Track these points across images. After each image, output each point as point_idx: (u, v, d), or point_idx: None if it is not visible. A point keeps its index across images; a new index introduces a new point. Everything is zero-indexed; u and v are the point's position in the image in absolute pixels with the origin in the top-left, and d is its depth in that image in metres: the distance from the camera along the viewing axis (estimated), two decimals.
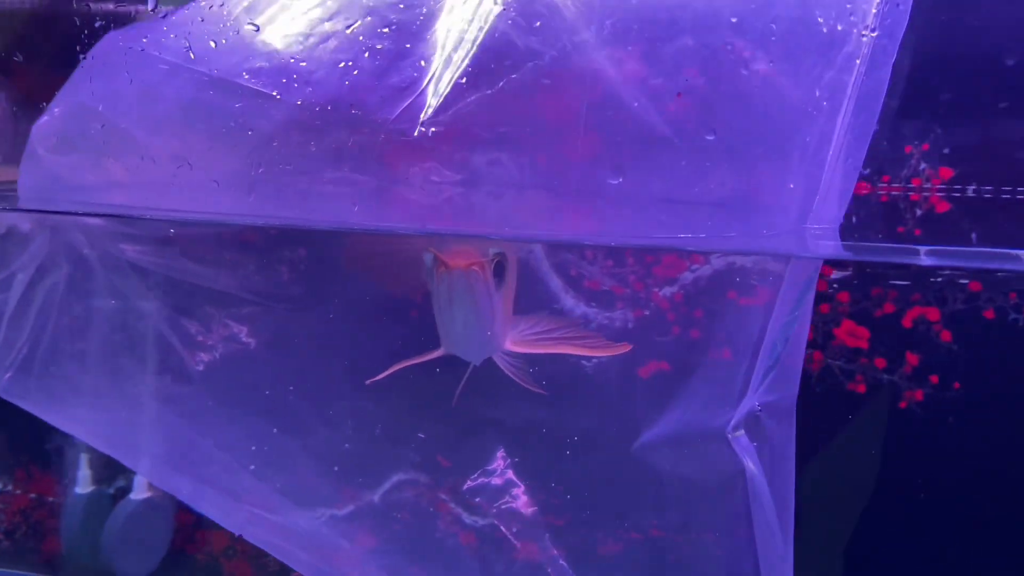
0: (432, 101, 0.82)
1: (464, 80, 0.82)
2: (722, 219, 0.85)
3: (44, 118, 1.01)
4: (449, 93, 0.82)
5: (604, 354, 0.99)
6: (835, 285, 1.10)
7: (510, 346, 0.97)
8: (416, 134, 0.82)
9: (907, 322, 1.09)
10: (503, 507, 1.15)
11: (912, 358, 1.09)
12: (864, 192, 1.04)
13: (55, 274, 1.11)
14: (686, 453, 0.99)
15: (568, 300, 1.10)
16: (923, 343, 1.09)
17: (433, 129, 0.82)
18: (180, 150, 0.88)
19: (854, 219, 0.94)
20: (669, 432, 1.00)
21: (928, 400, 1.10)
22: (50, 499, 1.53)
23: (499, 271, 0.90)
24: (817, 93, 0.81)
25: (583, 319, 1.09)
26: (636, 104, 0.81)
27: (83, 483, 1.43)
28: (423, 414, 1.12)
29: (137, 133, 0.91)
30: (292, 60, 0.86)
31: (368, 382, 1.01)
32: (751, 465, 0.94)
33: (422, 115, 0.82)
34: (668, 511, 1.04)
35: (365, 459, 1.17)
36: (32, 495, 1.55)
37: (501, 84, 0.82)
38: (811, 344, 1.12)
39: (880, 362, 1.10)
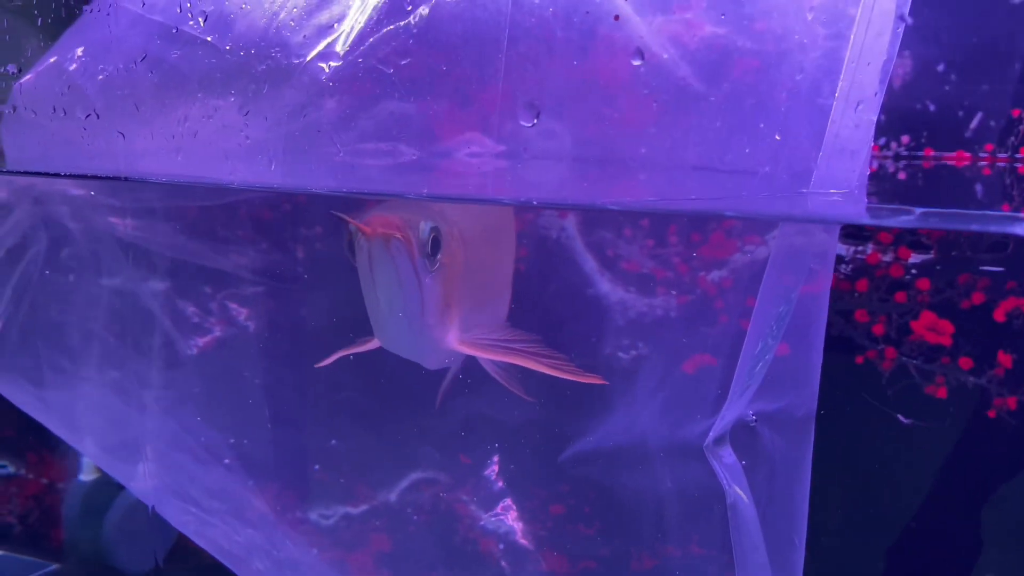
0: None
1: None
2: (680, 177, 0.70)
3: (27, 76, 0.93)
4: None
5: (567, 377, 0.84)
6: (913, 271, 0.95)
7: (457, 345, 0.82)
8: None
9: (999, 315, 0.93)
10: (524, 513, 1.05)
11: (1005, 359, 0.93)
12: (962, 163, 0.88)
13: (35, 247, 1.03)
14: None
15: (603, 283, 0.99)
16: (1018, 341, 0.93)
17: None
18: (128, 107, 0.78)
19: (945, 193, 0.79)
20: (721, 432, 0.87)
21: (1023, 409, 0.93)
22: (60, 485, 1.48)
23: (434, 248, 0.76)
24: (809, 16, 0.65)
25: (620, 304, 0.97)
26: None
27: (87, 470, 1.36)
28: (440, 411, 1.02)
29: (89, 91, 0.80)
30: None
31: (317, 365, 0.89)
32: (735, 488, 0.79)
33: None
34: (701, 529, 0.90)
35: (378, 455, 1.08)
36: (44, 480, 1.50)
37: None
38: (884, 339, 0.97)
39: (965, 362, 0.94)
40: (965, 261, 0.92)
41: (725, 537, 0.80)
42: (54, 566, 1.44)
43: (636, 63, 0.68)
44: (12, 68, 0.91)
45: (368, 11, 0.69)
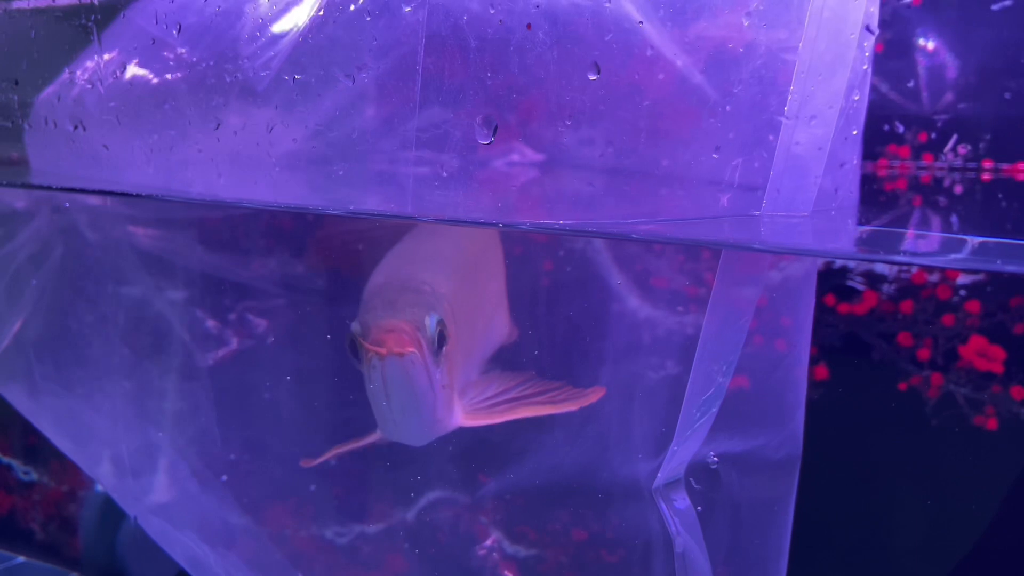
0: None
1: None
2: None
3: (49, 89, 0.92)
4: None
5: (573, 407, 0.80)
6: (962, 292, 0.88)
7: (464, 421, 0.80)
8: None
9: None
10: (547, 535, 1.01)
11: None
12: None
13: (52, 256, 1.02)
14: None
15: (631, 300, 0.95)
16: None
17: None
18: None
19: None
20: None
21: None
22: (81, 493, 1.47)
23: (440, 342, 0.74)
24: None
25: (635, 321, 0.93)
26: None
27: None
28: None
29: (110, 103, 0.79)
30: None
31: (304, 464, 0.86)
32: (684, 536, 0.72)
33: None
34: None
35: (395, 474, 1.04)
36: (65, 488, 1.49)
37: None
38: (929, 364, 0.90)
39: (1019, 392, 0.87)
40: (1019, 282, 0.85)
41: None
42: (73, 575, 1.43)
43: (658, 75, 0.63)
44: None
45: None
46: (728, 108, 0.63)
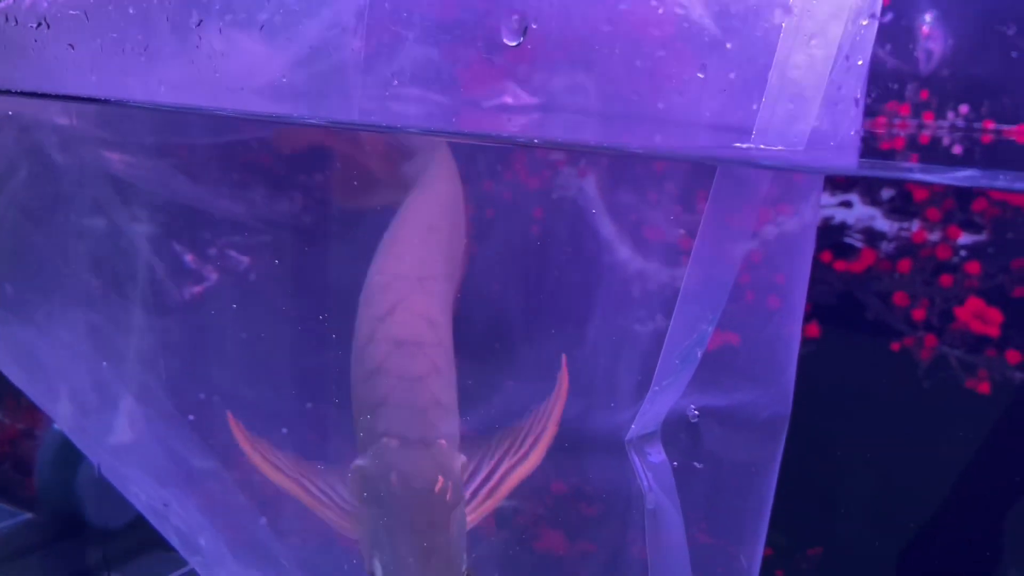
0: None
1: None
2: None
3: None
4: None
5: (558, 415, 0.76)
6: (963, 252, 0.87)
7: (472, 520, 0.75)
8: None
9: None
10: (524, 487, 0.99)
11: None
12: None
13: (16, 177, 0.96)
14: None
15: (623, 251, 0.92)
16: None
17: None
18: None
19: None
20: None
21: None
22: (38, 432, 1.41)
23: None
24: None
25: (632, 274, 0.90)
26: None
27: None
28: None
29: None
30: None
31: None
32: (656, 492, 0.69)
33: None
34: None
35: None
36: (20, 426, 1.43)
37: None
38: (924, 325, 0.89)
39: (1013, 356, 0.86)
40: (1022, 244, 0.84)
41: None
42: (27, 515, 1.38)
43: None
44: None
45: None
46: (729, 46, 0.59)
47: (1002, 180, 0.61)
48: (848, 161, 0.65)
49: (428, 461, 0.68)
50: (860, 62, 0.63)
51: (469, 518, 0.73)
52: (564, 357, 0.77)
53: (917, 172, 0.70)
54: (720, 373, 0.75)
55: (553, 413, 0.78)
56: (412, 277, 0.78)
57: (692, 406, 0.72)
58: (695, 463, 0.72)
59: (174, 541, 0.87)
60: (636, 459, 0.67)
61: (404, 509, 0.66)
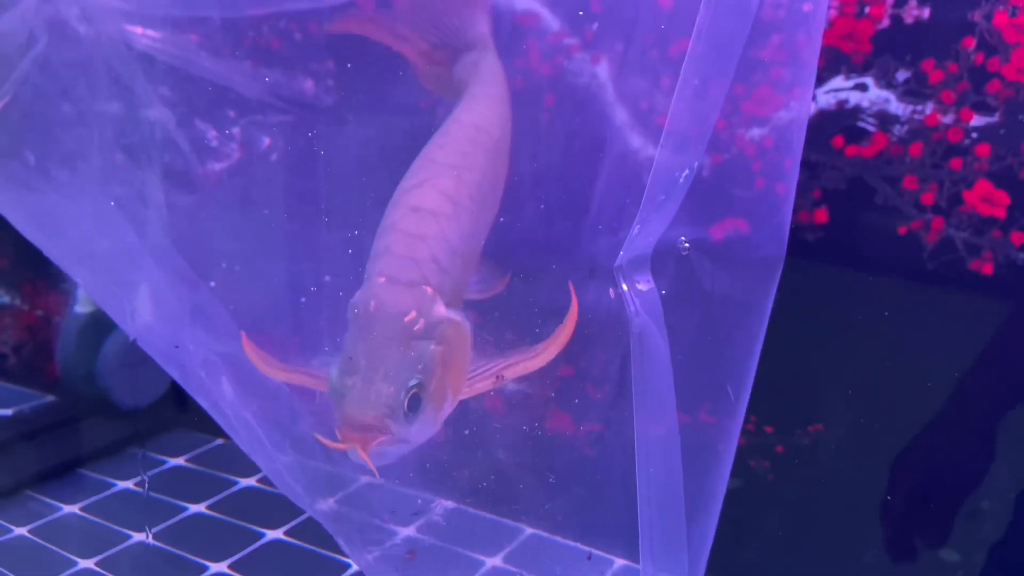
0: None
1: None
2: None
3: None
4: None
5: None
6: (974, 135, 0.88)
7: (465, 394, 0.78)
8: None
9: None
10: None
11: None
12: None
13: (36, 46, 0.96)
14: None
15: (634, 139, 0.92)
16: None
17: None
18: None
19: None
20: None
21: None
22: (56, 317, 1.45)
23: (413, 405, 0.71)
24: None
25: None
26: None
27: (83, 302, 1.32)
28: None
29: None
30: None
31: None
32: (643, 316, 0.67)
33: None
34: None
35: None
36: (39, 312, 1.46)
37: None
38: (932, 208, 0.90)
39: (1018, 237, 0.87)
40: None
41: None
42: (49, 398, 1.42)
43: None
44: None
45: None
46: None
47: None
48: None
49: (407, 297, 0.73)
50: None
51: (475, 385, 0.78)
52: (571, 286, 0.78)
53: None
54: (712, 203, 0.75)
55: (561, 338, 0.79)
56: (448, 164, 0.82)
57: (683, 238, 0.73)
58: (684, 293, 0.73)
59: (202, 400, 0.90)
60: (624, 284, 0.67)
61: (371, 325, 0.71)
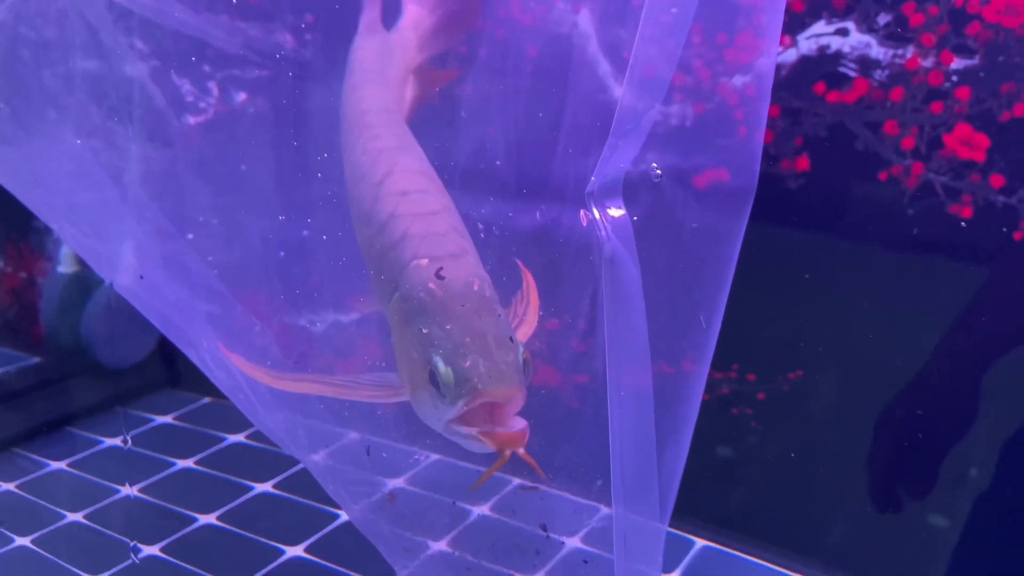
0: None
1: None
2: None
3: None
4: None
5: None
6: (954, 78, 0.88)
7: None
8: None
9: None
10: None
11: None
12: None
13: None
14: None
15: (618, 88, 0.92)
16: None
17: None
18: None
19: None
20: None
21: None
22: (40, 279, 1.44)
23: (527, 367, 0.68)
24: None
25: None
26: None
27: (66, 262, 1.32)
28: None
29: None
30: None
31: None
32: (614, 242, 0.65)
33: None
34: None
35: None
36: (23, 274, 1.46)
37: None
38: (912, 153, 0.91)
39: (997, 180, 0.88)
40: (1012, 68, 0.85)
41: None
42: (34, 359, 1.42)
43: None
44: None
45: None
46: None
47: None
48: None
49: (461, 268, 0.69)
50: None
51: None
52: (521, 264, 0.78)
53: None
54: (682, 129, 0.75)
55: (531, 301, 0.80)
56: (394, 147, 0.81)
57: (654, 164, 0.73)
58: (656, 221, 0.72)
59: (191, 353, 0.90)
60: (595, 209, 0.65)
61: (449, 303, 0.66)
